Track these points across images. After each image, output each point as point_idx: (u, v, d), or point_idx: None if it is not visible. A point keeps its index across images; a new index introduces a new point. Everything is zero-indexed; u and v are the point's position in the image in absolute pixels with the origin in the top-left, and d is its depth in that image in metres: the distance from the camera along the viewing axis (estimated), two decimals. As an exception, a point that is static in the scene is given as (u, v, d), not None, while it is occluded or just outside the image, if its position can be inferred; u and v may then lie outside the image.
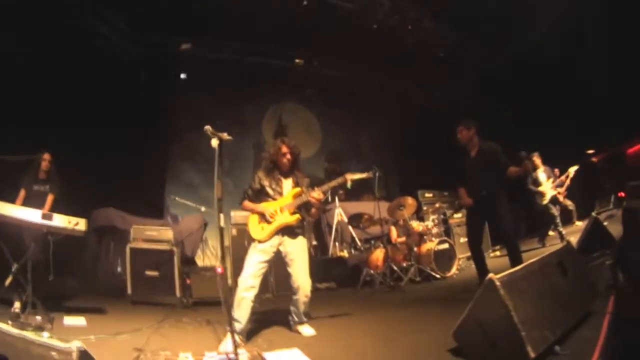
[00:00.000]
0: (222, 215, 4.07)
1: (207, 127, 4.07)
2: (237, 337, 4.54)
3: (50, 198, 6.43)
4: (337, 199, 9.83)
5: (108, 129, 8.89)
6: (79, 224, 5.57)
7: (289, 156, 5.19)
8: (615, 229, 5.95)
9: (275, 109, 12.58)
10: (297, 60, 11.61)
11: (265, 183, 5.17)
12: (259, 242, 4.98)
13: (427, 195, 10.51)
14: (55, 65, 8.26)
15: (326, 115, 13.04)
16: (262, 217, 5.04)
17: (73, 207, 6.28)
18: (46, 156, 6.56)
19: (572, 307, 3.95)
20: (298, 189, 5.16)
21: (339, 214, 9.56)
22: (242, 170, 11.48)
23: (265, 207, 5.05)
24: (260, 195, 5.18)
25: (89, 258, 7.80)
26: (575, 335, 3.66)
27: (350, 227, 9.42)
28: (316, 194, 4.97)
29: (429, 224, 9.05)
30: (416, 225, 8.92)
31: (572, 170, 9.29)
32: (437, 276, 8.08)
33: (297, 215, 5.05)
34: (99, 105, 8.67)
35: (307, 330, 5.17)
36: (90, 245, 7.66)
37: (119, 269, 7.89)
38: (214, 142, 4.07)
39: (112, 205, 8.36)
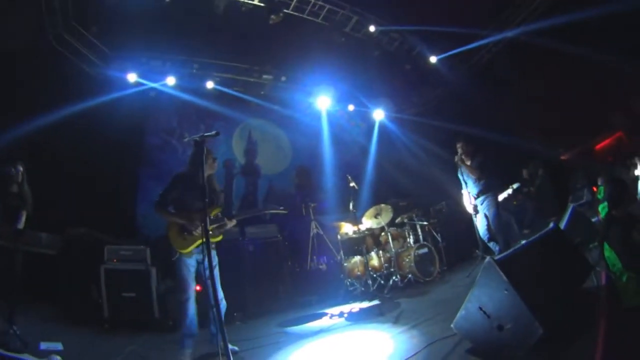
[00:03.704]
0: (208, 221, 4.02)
1: (187, 137, 4.24)
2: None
3: (23, 214, 6.01)
4: (311, 212, 9.70)
5: (79, 147, 8.65)
6: (52, 242, 5.35)
7: (212, 170, 5.25)
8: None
9: (244, 126, 12.47)
10: (264, 76, 11.58)
11: (187, 194, 5.05)
12: (185, 254, 4.95)
13: (401, 203, 10.52)
14: (26, 75, 8.05)
15: (295, 130, 13.00)
16: (184, 228, 4.96)
17: (43, 228, 6.01)
18: (20, 168, 5.98)
19: (569, 282, 4.04)
20: (218, 208, 5.21)
21: (314, 226, 9.44)
22: (212, 188, 11.28)
23: (188, 218, 4.98)
24: (177, 204, 5.12)
25: (63, 279, 7.42)
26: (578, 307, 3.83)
27: (326, 239, 9.31)
28: (231, 224, 5.16)
29: (406, 229, 9.03)
30: (393, 231, 8.91)
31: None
32: (420, 281, 8.03)
33: (220, 236, 5.18)
34: (70, 122, 8.36)
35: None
36: (63, 266, 7.30)
37: (93, 291, 7.55)
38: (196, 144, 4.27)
39: (85, 226, 8.03)
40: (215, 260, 5.04)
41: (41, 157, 7.69)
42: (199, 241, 4.91)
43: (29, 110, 7.78)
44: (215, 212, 5.12)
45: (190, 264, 4.93)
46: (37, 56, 8.32)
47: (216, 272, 4.98)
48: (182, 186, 5.08)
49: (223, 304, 4.97)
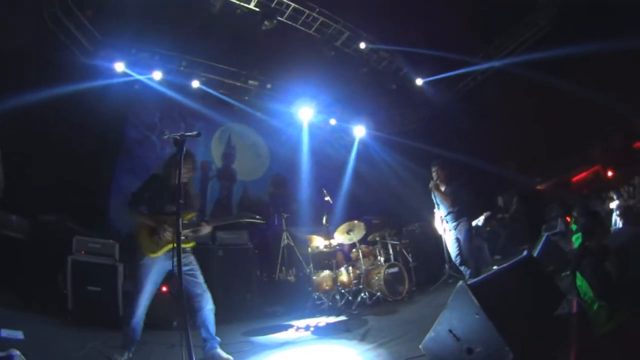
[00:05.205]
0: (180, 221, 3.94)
1: (167, 134, 4.19)
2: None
3: None
4: (283, 222, 9.67)
5: (58, 132, 8.49)
6: (22, 226, 5.17)
7: (191, 173, 5.08)
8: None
9: (225, 129, 12.40)
10: (250, 82, 11.55)
11: (160, 196, 4.88)
12: (153, 258, 4.74)
13: (374, 221, 10.53)
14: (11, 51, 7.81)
15: (276, 139, 12.99)
16: (155, 232, 4.76)
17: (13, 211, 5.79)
18: None
19: (541, 309, 4.08)
20: (193, 213, 5.06)
21: (285, 237, 9.41)
22: (188, 188, 11.16)
23: (160, 221, 4.79)
24: (149, 206, 4.94)
25: (29, 266, 7.17)
26: (550, 333, 3.84)
27: (297, 251, 9.27)
28: (206, 229, 4.93)
29: (377, 247, 9.03)
30: (364, 249, 8.90)
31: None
32: (388, 299, 8.02)
33: (193, 242, 5.03)
34: (52, 104, 8.10)
35: (223, 356, 4.81)
36: (30, 252, 7.07)
37: (59, 281, 7.31)
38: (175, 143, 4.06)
39: (56, 213, 7.83)
40: (195, 264, 4.94)
41: (19, 138, 7.47)
42: (170, 246, 4.73)
43: (9, 89, 7.59)
44: (189, 217, 4.94)
45: (155, 269, 4.71)
46: (27, 31, 8.09)
47: (199, 274, 4.92)
48: (156, 188, 4.93)
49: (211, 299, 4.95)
